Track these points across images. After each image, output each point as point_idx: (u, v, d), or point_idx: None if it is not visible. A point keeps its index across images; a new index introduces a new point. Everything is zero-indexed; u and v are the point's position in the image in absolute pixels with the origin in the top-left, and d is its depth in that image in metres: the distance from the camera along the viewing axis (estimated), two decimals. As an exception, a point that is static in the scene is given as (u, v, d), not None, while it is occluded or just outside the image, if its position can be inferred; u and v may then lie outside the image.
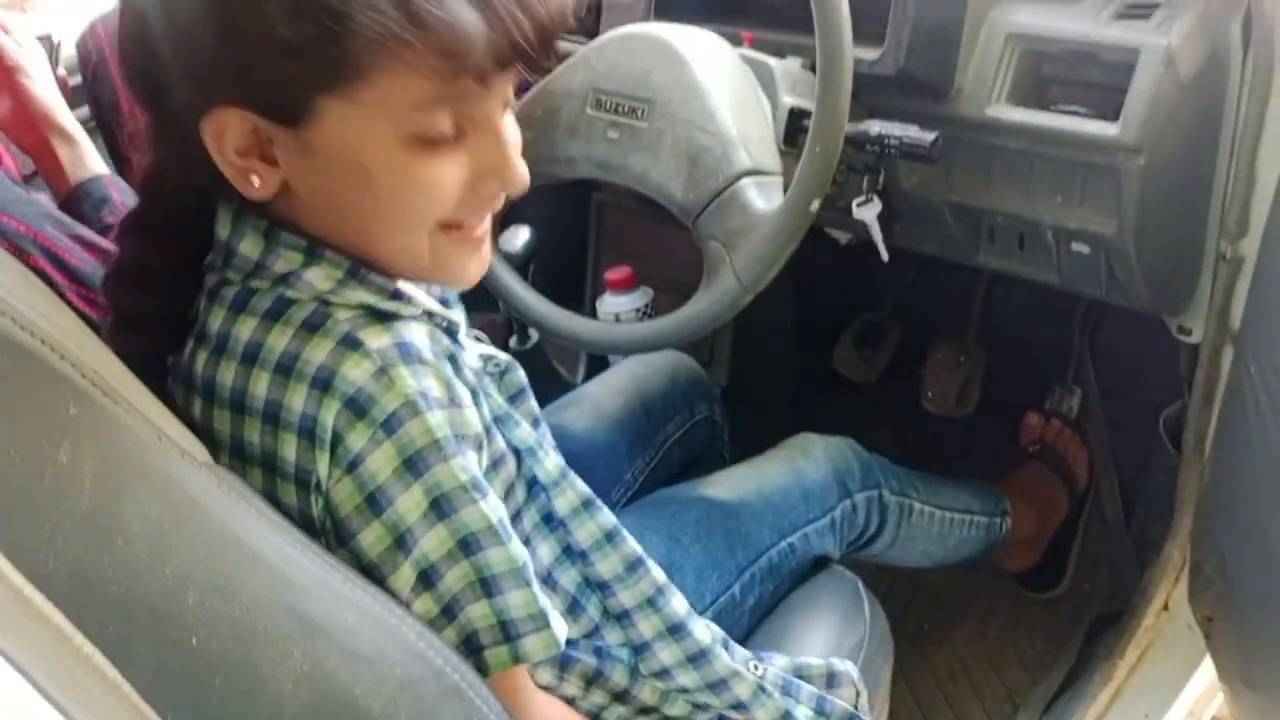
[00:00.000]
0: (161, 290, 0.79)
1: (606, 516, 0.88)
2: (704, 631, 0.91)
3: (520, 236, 1.46)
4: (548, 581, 0.87)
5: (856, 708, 0.99)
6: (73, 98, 1.29)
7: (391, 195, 0.71)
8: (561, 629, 0.77)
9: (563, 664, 0.88)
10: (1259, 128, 1.08)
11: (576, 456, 1.21)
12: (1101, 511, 1.65)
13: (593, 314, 1.60)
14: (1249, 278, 1.16)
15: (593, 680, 0.89)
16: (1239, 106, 1.10)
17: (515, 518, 0.84)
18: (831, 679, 0.99)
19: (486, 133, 0.73)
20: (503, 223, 1.48)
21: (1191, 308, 1.26)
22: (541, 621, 0.75)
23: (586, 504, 0.87)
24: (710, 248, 1.06)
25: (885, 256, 1.22)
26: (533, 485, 0.85)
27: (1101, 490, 1.65)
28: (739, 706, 0.92)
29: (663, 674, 0.90)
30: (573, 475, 0.87)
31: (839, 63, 0.97)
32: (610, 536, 0.88)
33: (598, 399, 1.30)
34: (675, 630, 0.90)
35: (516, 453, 0.83)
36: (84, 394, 0.56)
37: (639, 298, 1.57)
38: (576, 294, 1.80)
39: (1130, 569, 1.52)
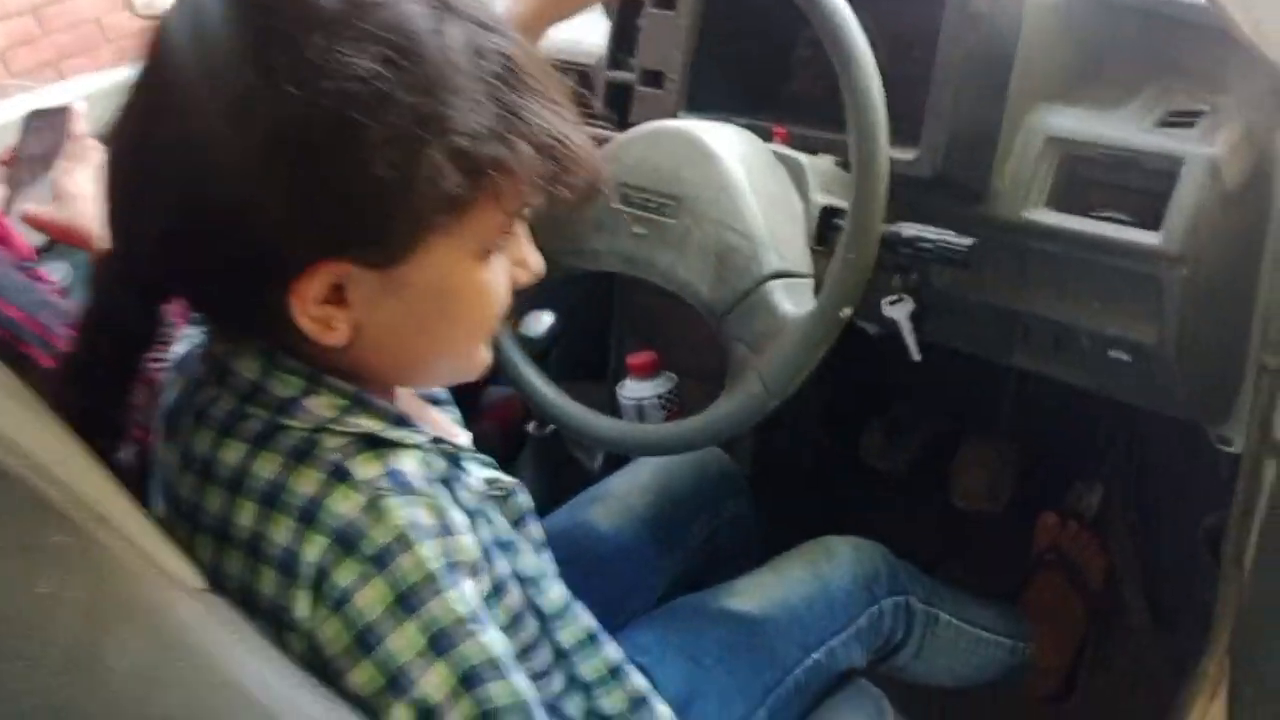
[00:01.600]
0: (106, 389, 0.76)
1: (612, 651, 0.85)
2: None
3: (542, 322, 1.44)
4: (554, 713, 0.83)
5: None
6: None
7: (469, 311, 0.73)
8: None
9: None
10: (1304, 239, 1.05)
11: (604, 559, 1.18)
12: (1126, 619, 1.59)
13: (613, 399, 1.57)
14: (1293, 390, 1.12)
15: None
16: (1284, 216, 1.07)
17: (533, 648, 0.81)
18: None
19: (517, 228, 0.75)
20: (523, 306, 1.46)
21: (1232, 418, 1.22)
22: None
23: (592, 638, 0.84)
24: (736, 350, 1.03)
25: (916, 356, 1.19)
26: (539, 616, 0.82)
27: (1126, 596, 1.60)
28: None
29: None
30: (577, 607, 0.84)
31: (875, 169, 0.95)
32: (615, 672, 0.85)
33: (625, 495, 1.27)
34: None
35: (520, 581, 0.80)
36: (68, 520, 0.54)
37: (662, 384, 1.55)
38: (599, 376, 1.77)
39: (1164, 683, 1.47)
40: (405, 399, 0.82)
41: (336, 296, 0.68)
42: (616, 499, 1.25)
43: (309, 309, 0.67)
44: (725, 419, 1.02)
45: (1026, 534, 1.66)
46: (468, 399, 1.99)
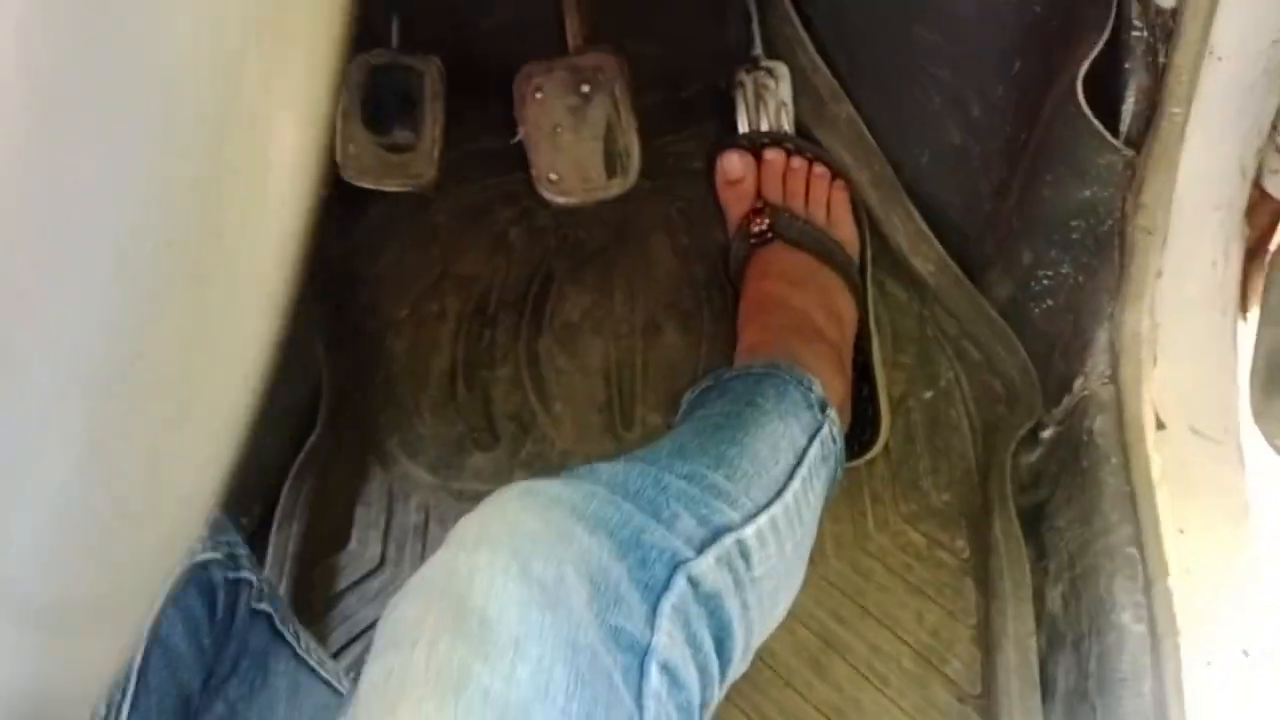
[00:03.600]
0: None
1: None
2: None
3: None
4: None
5: None
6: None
7: None
8: None
9: None
10: None
11: None
12: (911, 272, 0.92)
13: None
14: None
15: None
16: None
17: None
18: None
19: None
20: None
21: None
22: None
23: None
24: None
25: None
26: None
27: (902, 247, 0.93)
28: None
29: None
30: None
31: None
32: None
33: None
34: None
35: None
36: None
37: None
38: None
39: (1010, 354, 0.87)
40: None
41: None
42: None
43: None
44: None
45: (700, 215, 0.93)
46: None
